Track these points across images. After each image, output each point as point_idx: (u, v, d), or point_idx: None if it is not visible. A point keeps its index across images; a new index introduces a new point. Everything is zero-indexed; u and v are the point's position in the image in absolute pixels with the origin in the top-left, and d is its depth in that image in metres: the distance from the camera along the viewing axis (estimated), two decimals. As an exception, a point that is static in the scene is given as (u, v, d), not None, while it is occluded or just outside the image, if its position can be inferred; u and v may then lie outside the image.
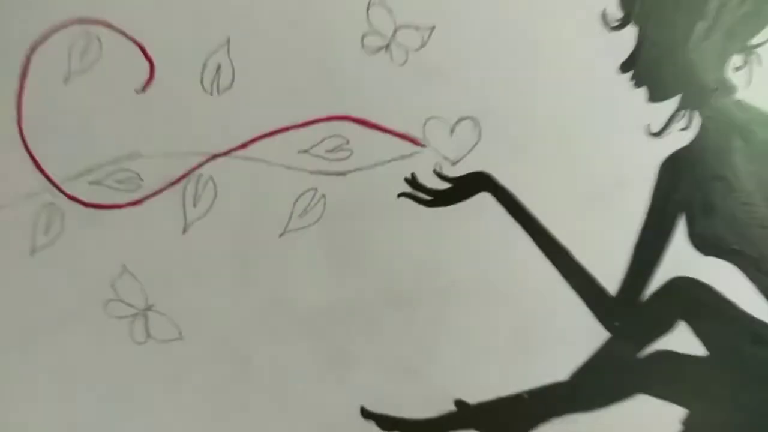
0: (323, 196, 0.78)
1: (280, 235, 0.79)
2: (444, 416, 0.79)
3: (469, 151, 0.77)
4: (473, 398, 0.79)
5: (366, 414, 0.80)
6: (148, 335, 0.81)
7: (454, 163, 0.77)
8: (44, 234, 0.80)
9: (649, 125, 0.75)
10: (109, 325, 0.81)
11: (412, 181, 0.78)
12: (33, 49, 0.78)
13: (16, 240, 0.80)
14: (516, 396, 0.78)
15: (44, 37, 0.79)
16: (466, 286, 0.79)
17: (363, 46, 0.77)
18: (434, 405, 0.79)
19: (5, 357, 0.81)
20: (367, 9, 0.77)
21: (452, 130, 0.77)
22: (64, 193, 0.79)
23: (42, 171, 0.79)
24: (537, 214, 0.77)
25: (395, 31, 0.77)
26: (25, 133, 0.79)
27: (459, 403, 0.79)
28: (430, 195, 0.78)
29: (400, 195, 0.78)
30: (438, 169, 0.78)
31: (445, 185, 0.78)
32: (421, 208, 0.78)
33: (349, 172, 0.78)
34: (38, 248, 0.80)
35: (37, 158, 0.79)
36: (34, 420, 0.82)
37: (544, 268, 0.78)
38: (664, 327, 0.77)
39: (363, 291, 0.79)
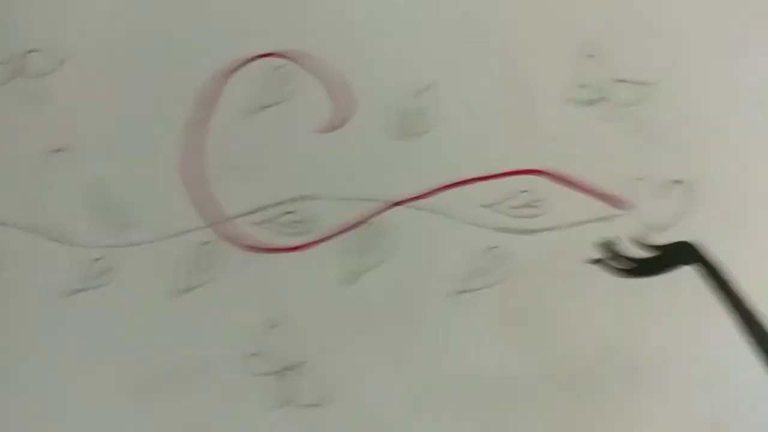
0: (506, 256, 0.70)
1: (453, 296, 0.71)
2: None
3: (678, 219, 0.69)
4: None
5: None
6: (289, 398, 0.72)
7: (658, 231, 0.69)
8: (194, 275, 0.72)
9: None
10: (248, 381, 0.72)
11: (609, 247, 0.70)
12: (216, 79, 0.72)
13: (163, 279, 0.72)
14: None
15: (237, 68, 0.72)
16: (657, 370, 0.69)
17: (570, 98, 0.70)
18: None
19: (131, 400, 0.72)
20: (579, 61, 0.70)
21: (661, 194, 0.69)
22: (226, 233, 0.72)
23: (205, 207, 0.71)
24: (748, 295, 0.69)
25: (608, 85, 0.70)
26: (190, 166, 0.73)
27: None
28: (627, 264, 0.70)
29: (593, 261, 0.70)
30: (639, 236, 0.70)
31: (646, 254, 0.70)
32: (615, 277, 0.70)
33: (538, 231, 0.70)
34: (185, 290, 0.72)
35: (201, 193, 0.71)
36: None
37: (749, 355, 0.69)
38: None
39: (537, 368, 0.70)
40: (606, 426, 0.70)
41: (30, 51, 0.74)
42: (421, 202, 0.71)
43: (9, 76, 0.75)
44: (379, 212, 0.71)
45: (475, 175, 0.70)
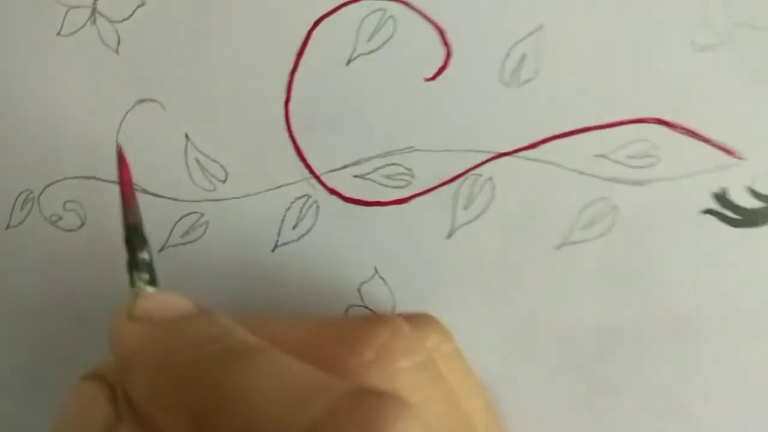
0: (615, 207, 0.69)
1: (557, 248, 0.70)
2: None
3: (795, 169, 0.67)
4: (745, 441, 0.71)
5: (624, 449, 0.72)
6: (388, 345, 0.72)
7: (772, 181, 0.68)
8: (292, 228, 0.71)
9: None
10: (347, 332, 0.72)
11: (722, 197, 0.68)
12: (316, 24, 0.68)
13: (261, 233, 0.70)
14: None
15: (332, 11, 0.67)
16: (759, 320, 0.69)
17: (692, 43, 0.66)
18: (701, 447, 0.72)
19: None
20: (701, 1, 0.65)
21: (778, 143, 0.67)
22: (324, 186, 0.69)
23: (303, 159, 0.69)
24: None
25: (731, 29, 0.66)
26: (291, 116, 0.69)
27: (733, 447, 0.71)
28: (738, 214, 0.69)
29: (704, 211, 0.69)
30: (752, 186, 0.68)
31: (759, 204, 0.68)
32: (726, 228, 0.69)
33: (651, 181, 0.68)
34: (281, 244, 0.71)
35: (300, 145, 0.69)
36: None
37: None
38: None
39: (638, 315, 0.70)
40: (699, 369, 0.70)
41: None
42: (528, 152, 0.68)
43: (85, 19, 0.70)
44: (483, 163, 0.69)
45: (588, 125, 0.68)
